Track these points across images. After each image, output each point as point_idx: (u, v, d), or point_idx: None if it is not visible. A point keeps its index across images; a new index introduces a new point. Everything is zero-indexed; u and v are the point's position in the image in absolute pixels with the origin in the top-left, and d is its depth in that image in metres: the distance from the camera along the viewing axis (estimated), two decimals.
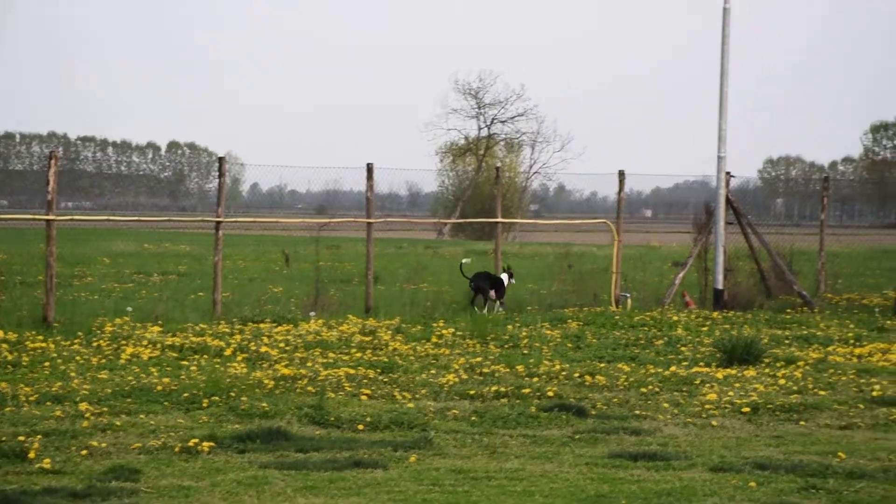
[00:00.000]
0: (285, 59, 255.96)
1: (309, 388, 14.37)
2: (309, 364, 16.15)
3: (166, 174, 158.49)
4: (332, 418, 12.63)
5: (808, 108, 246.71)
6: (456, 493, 9.80)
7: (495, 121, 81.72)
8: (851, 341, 19.62)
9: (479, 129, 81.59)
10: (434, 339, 18.80)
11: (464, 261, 25.08)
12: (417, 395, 14.23)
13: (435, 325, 20.31)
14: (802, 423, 13.17)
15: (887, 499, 9.68)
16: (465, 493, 9.80)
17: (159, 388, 14.02)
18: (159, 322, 19.69)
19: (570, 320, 21.73)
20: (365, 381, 15.04)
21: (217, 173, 22.08)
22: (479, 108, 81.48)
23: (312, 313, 21.34)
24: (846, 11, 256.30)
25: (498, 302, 23.87)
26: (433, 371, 15.89)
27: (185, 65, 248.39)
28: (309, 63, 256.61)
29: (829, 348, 18.83)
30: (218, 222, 21.80)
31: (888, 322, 22.50)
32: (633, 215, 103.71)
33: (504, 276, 24.34)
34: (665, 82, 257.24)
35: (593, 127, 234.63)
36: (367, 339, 18.62)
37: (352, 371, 15.50)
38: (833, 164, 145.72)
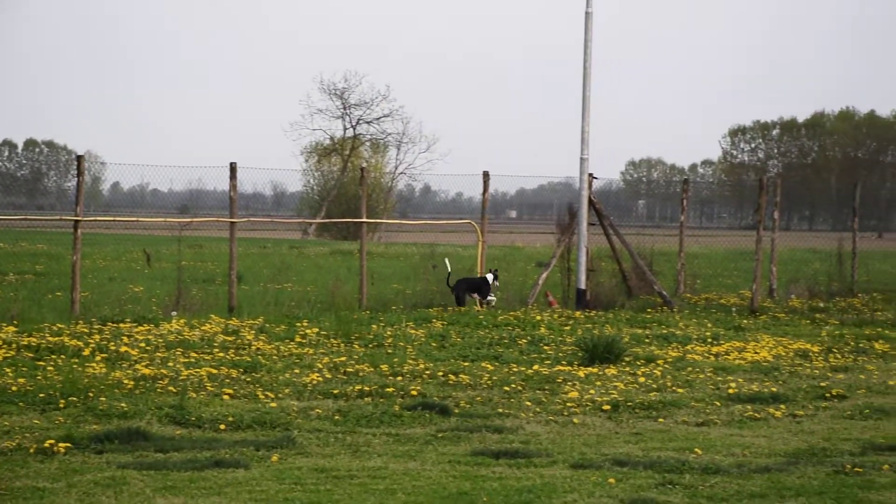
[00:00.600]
0: (146, 56, 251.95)
1: (170, 388, 14.18)
2: (170, 364, 15.93)
3: (23, 172, 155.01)
4: (194, 418, 12.48)
5: (669, 111, 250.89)
6: (318, 492, 9.75)
7: (361, 121, 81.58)
8: (709, 340, 19.99)
9: (345, 129, 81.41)
10: (298, 339, 18.70)
11: (446, 261, 25.17)
12: (280, 395, 14.14)
13: (299, 324, 20.20)
14: (661, 420, 13.38)
15: (741, 493, 9.88)
16: (327, 492, 9.76)
17: (14, 388, 13.71)
18: (14, 322, 19.25)
19: (434, 320, 21.78)
20: (227, 380, 14.90)
21: (76, 171, 21.66)
22: (345, 108, 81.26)
23: (174, 313, 21.07)
24: (703, 19, 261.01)
25: (484, 301, 24.20)
26: (297, 370, 15.80)
27: (42, 63, 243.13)
28: (171, 61, 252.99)
29: (688, 347, 19.17)
30: (76, 221, 21.41)
31: (744, 321, 22.98)
32: (498, 216, 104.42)
33: (489, 276, 24.59)
34: (530, 84, 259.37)
35: (459, 129, 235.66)
36: (230, 338, 18.44)
37: (214, 371, 15.34)
38: (693, 167, 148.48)
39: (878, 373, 17.01)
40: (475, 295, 24.49)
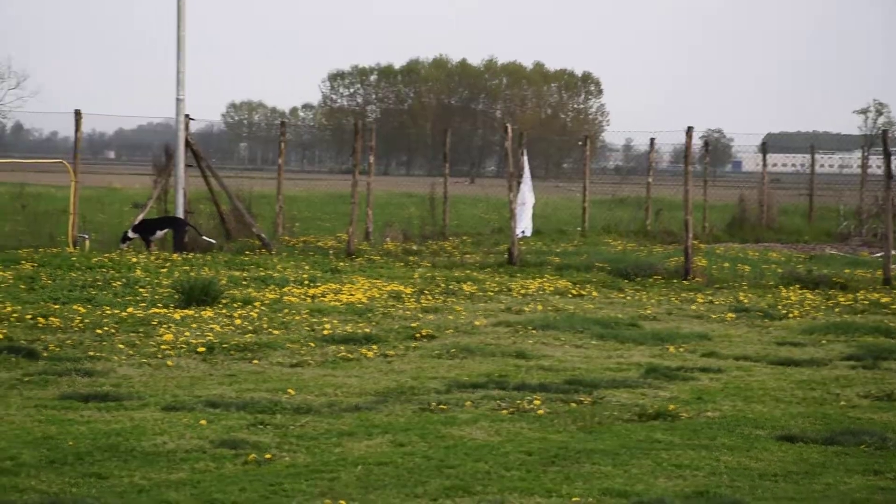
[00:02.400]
0: None
1: None
2: None
3: None
4: None
5: (269, 53, 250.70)
6: None
7: None
8: (306, 282, 20.20)
9: None
10: None
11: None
12: None
13: None
14: (256, 361, 13.42)
15: (330, 432, 10.03)
16: None
17: None
18: None
19: (24, 262, 20.97)
20: None
21: None
22: None
23: None
24: None
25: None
26: None
27: None
28: None
29: (285, 289, 19.30)
30: None
31: (341, 264, 23.36)
32: (95, 157, 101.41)
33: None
34: (129, 23, 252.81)
35: (53, 65, 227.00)
36: None
37: None
38: (294, 111, 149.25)
39: (465, 313, 17.69)
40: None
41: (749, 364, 14.02)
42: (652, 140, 36.93)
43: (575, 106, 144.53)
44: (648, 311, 18.47)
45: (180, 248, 24.30)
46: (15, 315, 15.29)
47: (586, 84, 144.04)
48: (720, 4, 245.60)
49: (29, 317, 15.26)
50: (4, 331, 14.18)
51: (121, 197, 42.60)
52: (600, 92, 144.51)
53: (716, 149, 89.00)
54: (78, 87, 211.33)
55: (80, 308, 16.29)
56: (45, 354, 13.09)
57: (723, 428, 10.49)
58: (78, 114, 25.30)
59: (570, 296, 20.19)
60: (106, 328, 14.87)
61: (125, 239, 24.34)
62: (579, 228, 34.18)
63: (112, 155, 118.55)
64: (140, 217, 25.22)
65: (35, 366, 12.53)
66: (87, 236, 24.54)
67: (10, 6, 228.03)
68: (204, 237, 24.77)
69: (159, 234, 24.65)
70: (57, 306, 16.38)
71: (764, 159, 38.83)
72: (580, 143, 42.97)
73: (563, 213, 37.66)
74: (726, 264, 24.76)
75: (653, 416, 10.85)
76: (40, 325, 14.90)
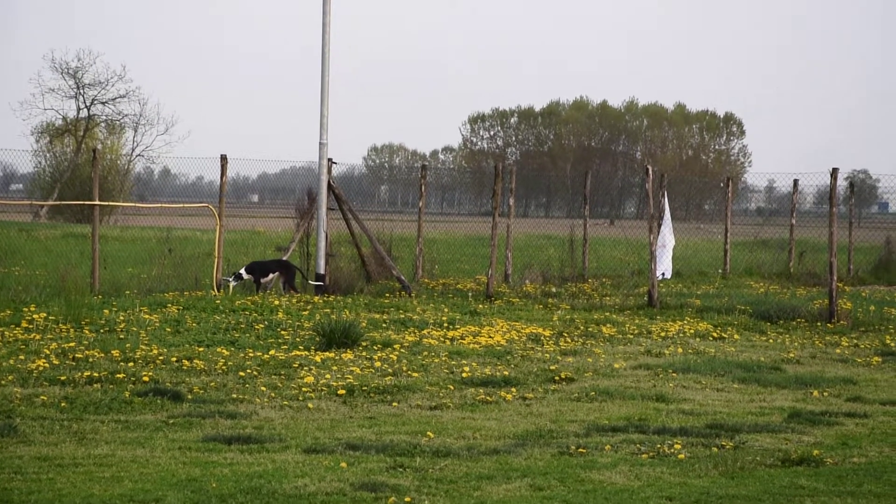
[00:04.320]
0: None
1: None
2: None
3: None
4: None
5: (411, 97, 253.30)
6: (40, 481, 9.45)
7: (95, 102, 79.32)
8: (445, 324, 20.27)
9: (79, 109, 79.02)
10: (24, 324, 18.08)
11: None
12: (3, 382, 13.65)
13: (25, 309, 19.54)
14: (395, 404, 13.48)
15: (469, 475, 10.04)
16: (49, 481, 9.47)
17: None
18: None
19: (170, 304, 21.41)
20: None
21: None
22: (79, 88, 78.80)
23: None
24: (439, 8, 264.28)
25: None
26: (22, 357, 15.28)
27: None
28: None
29: (424, 331, 19.39)
30: None
31: (480, 306, 23.39)
32: (239, 200, 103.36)
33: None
34: (273, 69, 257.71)
35: (199, 111, 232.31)
36: None
37: None
38: (434, 153, 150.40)
39: (604, 356, 17.57)
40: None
41: None
42: (795, 181, 36.38)
43: (716, 147, 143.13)
44: (791, 355, 18.14)
45: (290, 289, 24.64)
46: (161, 358, 15.60)
47: (728, 125, 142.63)
48: (865, 50, 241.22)
49: (174, 359, 15.55)
50: (150, 373, 14.46)
51: (264, 240, 43.28)
52: (742, 133, 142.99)
53: (861, 189, 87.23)
54: (222, 132, 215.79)
55: (223, 351, 16.55)
56: (189, 397, 13.31)
57: (869, 474, 10.24)
58: (224, 159, 25.81)
59: (711, 338, 19.93)
60: (249, 370, 15.08)
61: (238, 277, 24.70)
62: (720, 270, 33.77)
63: (255, 199, 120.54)
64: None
65: (180, 408, 12.76)
66: (231, 279, 24.96)
67: (162, 58, 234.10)
68: (310, 282, 25.07)
69: (271, 276, 25.00)
70: (201, 349, 16.67)
71: None
72: (722, 184, 42.51)
73: (704, 255, 37.24)
74: (872, 307, 24.23)
75: (796, 461, 10.63)
76: (185, 367, 15.17)
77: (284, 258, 26.10)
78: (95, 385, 13.71)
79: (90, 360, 15.28)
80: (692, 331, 20.56)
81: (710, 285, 29.89)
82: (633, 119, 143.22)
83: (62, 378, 13.89)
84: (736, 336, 20.25)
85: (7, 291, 22.08)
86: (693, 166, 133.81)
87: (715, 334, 20.25)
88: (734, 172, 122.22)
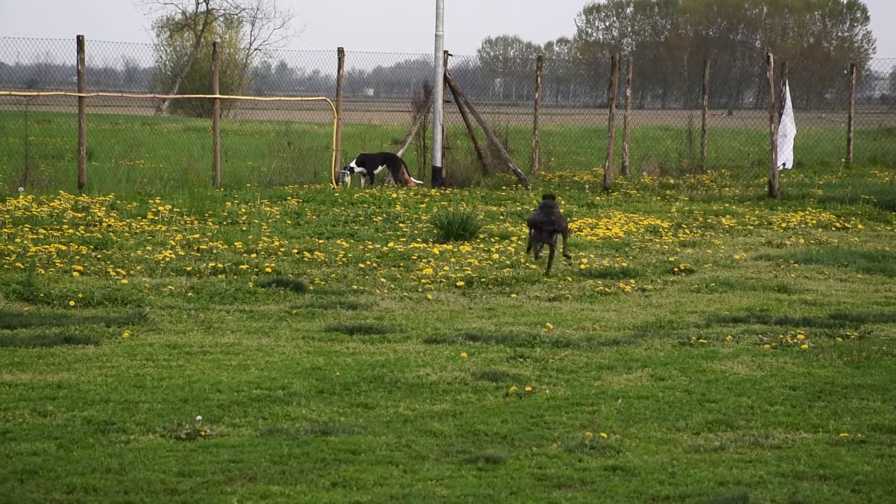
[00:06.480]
0: None
1: (17, 264, 13.89)
2: (17, 240, 15.58)
3: None
4: (42, 294, 12.29)
5: None
6: (170, 368, 9.70)
7: None
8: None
9: (197, 3, 79.51)
10: (150, 216, 18.44)
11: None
12: (132, 272, 13.97)
13: (151, 201, 19.89)
14: (514, 295, 13.54)
15: (589, 365, 10.09)
16: (179, 368, 9.71)
17: None
18: None
19: (289, 197, 21.64)
20: (77, 257, 14.66)
21: None
22: None
23: (21, 189, 20.57)
24: None
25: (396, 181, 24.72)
26: (149, 248, 15.60)
27: None
28: None
29: None
30: None
31: (597, 198, 23.26)
32: (355, 94, 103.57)
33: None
34: None
35: (315, 4, 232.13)
36: (80, 215, 18.10)
37: (63, 247, 15.06)
38: (549, 45, 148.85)
39: (724, 247, 17.42)
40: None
41: None
42: None
43: (839, 34, 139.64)
44: None
45: (399, 181, 24.73)
46: (282, 250, 15.82)
47: (851, 11, 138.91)
48: None
49: (295, 251, 15.76)
50: (273, 265, 14.69)
51: (380, 133, 43.40)
52: (867, 19, 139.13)
53: None
54: (338, 26, 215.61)
55: (343, 243, 16.72)
56: (311, 288, 13.50)
57: None
58: (340, 52, 25.83)
59: (833, 229, 19.64)
60: (368, 262, 15.23)
61: (351, 170, 24.87)
62: (843, 160, 33.12)
63: (371, 92, 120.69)
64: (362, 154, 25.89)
65: (302, 299, 12.96)
66: (346, 173, 25.09)
67: None
68: (410, 178, 25.15)
69: (380, 168, 25.16)
70: (321, 241, 16.86)
71: None
72: (845, 71, 41.52)
73: (826, 145, 36.52)
74: None
75: None
76: (306, 259, 15.37)
77: (401, 151, 26.16)
78: (220, 276, 13.97)
79: (214, 251, 15.55)
80: (814, 221, 20.26)
81: (833, 175, 29.37)
82: (752, 7, 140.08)
83: (188, 269, 14.17)
84: (860, 226, 19.93)
85: (133, 184, 22.48)
86: (814, 54, 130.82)
87: (838, 224, 19.95)
88: (857, 59, 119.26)
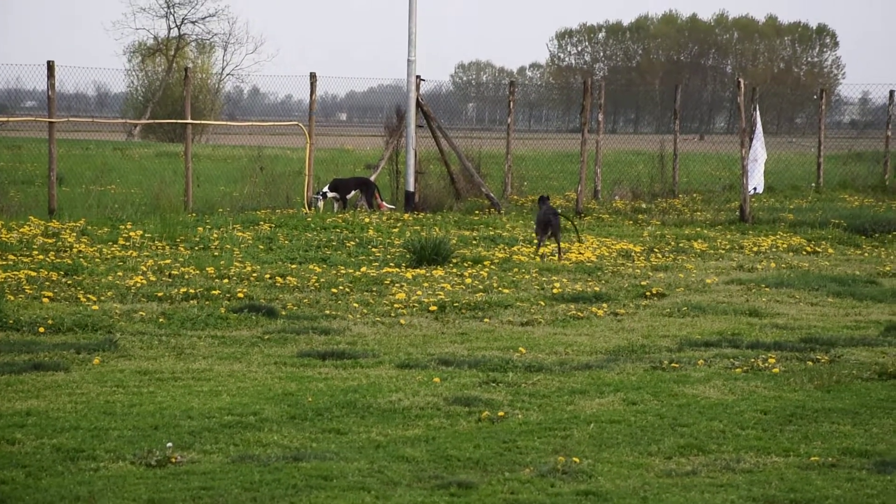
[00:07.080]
0: None
1: None
2: None
3: None
4: (11, 321, 12.21)
5: (497, 13, 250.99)
6: (141, 394, 9.65)
7: (186, 21, 79.68)
8: (535, 241, 20.20)
9: (169, 29, 79.45)
10: (121, 242, 18.36)
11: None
12: (103, 298, 13.91)
13: (122, 227, 19.82)
14: (487, 320, 13.54)
15: (562, 390, 10.08)
16: (150, 394, 9.66)
17: None
18: None
19: (262, 222, 21.60)
20: (47, 283, 14.59)
21: None
22: (169, 7, 79.15)
23: None
24: None
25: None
26: (120, 273, 15.53)
27: None
28: None
29: (514, 248, 19.38)
30: None
31: (569, 223, 23.26)
32: (328, 119, 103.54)
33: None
34: None
35: (287, 29, 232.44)
36: (51, 241, 18.02)
37: (33, 273, 14.99)
38: (522, 70, 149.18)
39: (696, 271, 17.47)
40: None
41: None
42: (892, 92, 35.59)
43: (809, 59, 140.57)
44: (887, 268, 17.91)
45: (372, 206, 24.81)
46: (255, 275, 15.77)
47: (821, 36, 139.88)
48: None
49: (268, 276, 15.72)
50: (245, 290, 14.64)
51: (353, 158, 43.40)
52: (836, 44, 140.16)
53: None
54: (310, 51, 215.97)
55: (315, 268, 16.69)
56: (283, 313, 13.47)
57: None
58: (313, 76, 25.84)
59: (804, 253, 19.73)
60: (341, 287, 15.21)
61: (324, 195, 24.93)
62: (813, 184, 33.28)
63: (344, 117, 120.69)
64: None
65: (274, 324, 12.93)
66: (319, 197, 25.08)
67: None
68: (383, 202, 25.20)
69: (353, 193, 25.20)
70: (294, 266, 16.83)
71: None
72: (815, 96, 41.80)
73: (797, 169, 36.71)
74: None
75: (893, 374, 10.55)
76: (278, 284, 15.34)
77: (374, 176, 26.17)
78: (192, 301, 13.92)
79: (186, 276, 15.50)
80: (785, 245, 20.35)
81: (803, 199, 29.50)
82: (723, 32, 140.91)
83: (159, 294, 14.12)
84: (830, 250, 20.03)
85: (104, 209, 22.41)
86: (785, 79, 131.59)
87: (808, 248, 20.04)
88: (827, 85, 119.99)
